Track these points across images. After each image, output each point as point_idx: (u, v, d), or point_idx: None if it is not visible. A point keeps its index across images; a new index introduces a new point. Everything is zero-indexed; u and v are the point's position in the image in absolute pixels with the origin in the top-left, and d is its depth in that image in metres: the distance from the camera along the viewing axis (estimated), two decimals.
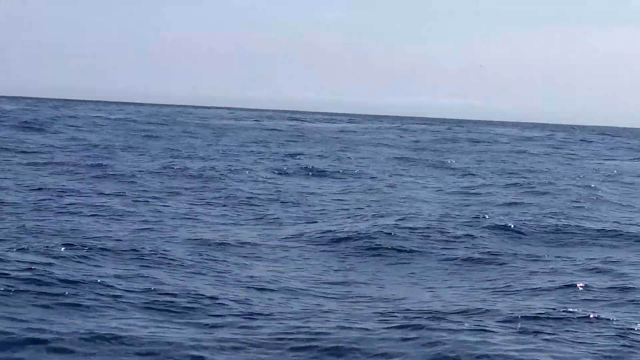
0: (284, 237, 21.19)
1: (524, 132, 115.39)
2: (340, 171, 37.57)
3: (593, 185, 35.26)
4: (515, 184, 35.76)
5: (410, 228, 22.18)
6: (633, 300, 15.17)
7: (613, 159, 62.17)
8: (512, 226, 22.95)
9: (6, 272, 14.24)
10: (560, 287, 16.05)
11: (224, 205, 26.16)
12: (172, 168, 34.77)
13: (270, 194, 29.14)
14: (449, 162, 48.07)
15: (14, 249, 16.62)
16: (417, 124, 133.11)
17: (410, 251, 19.81)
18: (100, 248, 17.43)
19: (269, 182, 32.59)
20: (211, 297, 14.17)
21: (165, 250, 18.05)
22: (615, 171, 47.47)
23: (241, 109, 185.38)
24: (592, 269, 18.18)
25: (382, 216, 24.39)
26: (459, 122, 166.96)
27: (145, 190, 28.17)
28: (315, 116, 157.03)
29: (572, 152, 68.62)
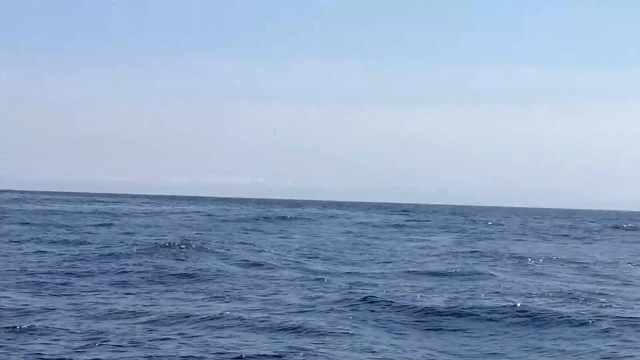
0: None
1: (326, 211, 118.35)
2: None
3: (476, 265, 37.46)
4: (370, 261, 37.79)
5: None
6: None
7: (433, 235, 65.25)
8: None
9: None
10: None
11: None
12: (71, 260, 34.44)
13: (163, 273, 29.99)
14: (288, 239, 49.60)
15: None
16: (239, 204, 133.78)
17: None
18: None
19: (146, 261, 33.26)
20: None
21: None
22: (446, 246, 50.13)
23: (18, 191, 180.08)
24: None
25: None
26: (258, 201, 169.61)
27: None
28: (107, 198, 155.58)
29: (391, 231, 71.30)
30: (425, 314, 23.06)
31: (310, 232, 63.82)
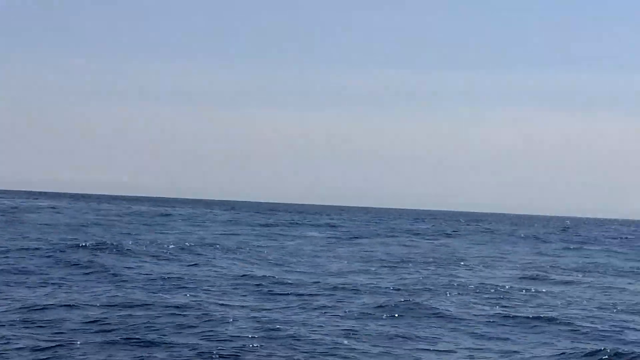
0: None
1: (197, 210, 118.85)
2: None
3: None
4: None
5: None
6: None
7: (308, 233, 67.18)
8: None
9: None
10: None
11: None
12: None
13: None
14: (174, 236, 50.64)
15: None
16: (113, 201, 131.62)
17: None
18: None
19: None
20: None
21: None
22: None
23: None
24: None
25: None
26: (120, 198, 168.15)
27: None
28: None
29: (267, 230, 72.86)
30: (377, 307, 24.87)
31: (191, 231, 64.21)
